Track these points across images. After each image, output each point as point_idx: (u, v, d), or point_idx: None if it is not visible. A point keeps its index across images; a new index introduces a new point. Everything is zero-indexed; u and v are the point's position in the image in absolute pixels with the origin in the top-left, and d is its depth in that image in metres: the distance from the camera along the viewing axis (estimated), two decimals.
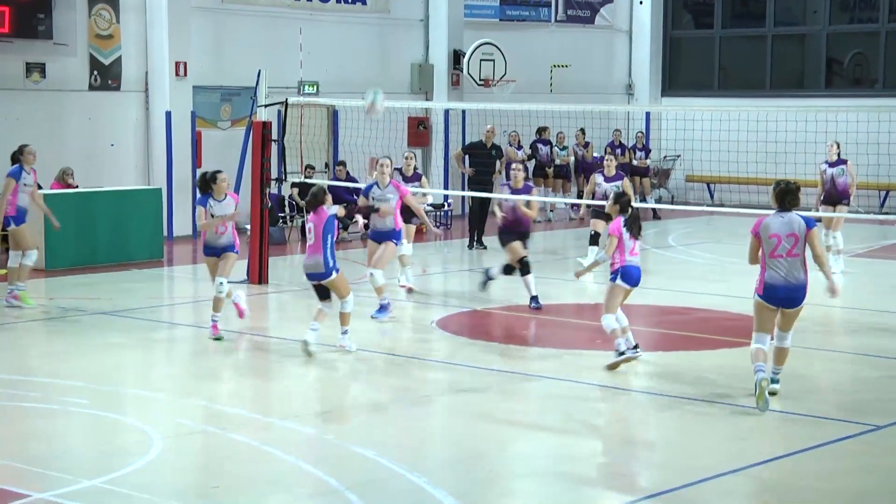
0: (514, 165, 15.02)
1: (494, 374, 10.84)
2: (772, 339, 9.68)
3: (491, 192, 18.65)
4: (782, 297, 9.52)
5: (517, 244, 13.94)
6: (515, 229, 14.02)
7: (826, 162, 16.98)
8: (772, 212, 9.74)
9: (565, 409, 9.69)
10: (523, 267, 13.89)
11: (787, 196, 9.62)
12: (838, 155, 16.80)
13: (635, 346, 10.90)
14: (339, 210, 11.43)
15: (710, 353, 11.75)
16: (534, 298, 13.86)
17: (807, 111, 20.24)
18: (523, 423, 9.32)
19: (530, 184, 14.83)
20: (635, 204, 11.84)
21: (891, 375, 10.86)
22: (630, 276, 10.79)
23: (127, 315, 13.48)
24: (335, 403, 10.10)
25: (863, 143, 19.79)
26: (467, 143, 20.45)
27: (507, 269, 14.09)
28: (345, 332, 11.58)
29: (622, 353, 10.81)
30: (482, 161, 19.62)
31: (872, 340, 12.15)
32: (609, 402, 10.15)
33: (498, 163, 20.31)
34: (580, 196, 24.10)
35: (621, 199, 10.93)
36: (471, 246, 19.11)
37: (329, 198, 11.44)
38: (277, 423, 9.21)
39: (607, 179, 16.26)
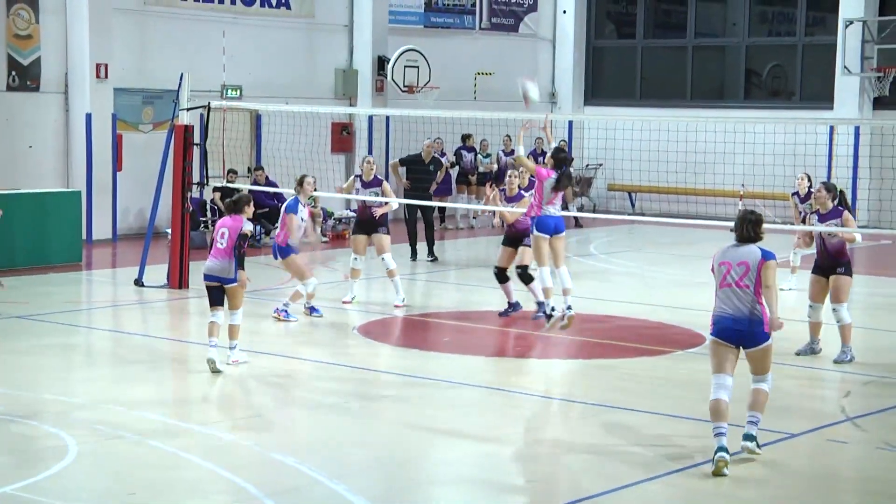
0: (509, 172, 14.14)
1: (416, 381, 10.83)
2: (731, 379, 8.53)
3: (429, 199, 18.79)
4: (732, 332, 8.42)
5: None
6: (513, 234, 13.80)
7: (795, 194, 15.50)
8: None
9: (487, 416, 9.72)
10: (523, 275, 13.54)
11: (742, 224, 8.48)
12: (809, 188, 14.97)
13: (568, 307, 11.90)
14: (249, 230, 11.17)
15: (630, 360, 11.85)
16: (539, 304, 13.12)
17: (725, 122, 20.55)
18: (445, 429, 9.32)
19: (523, 193, 13.82)
20: (556, 212, 12.07)
21: (807, 385, 11.04)
22: (544, 224, 11.80)
23: (44, 319, 13.25)
24: (255, 410, 10.02)
25: (780, 154, 20.13)
26: (405, 156, 20.21)
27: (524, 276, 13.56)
28: (233, 347, 11.22)
29: (549, 316, 11.43)
30: (420, 175, 19.48)
31: (790, 348, 12.33)
32: (531, 408, 10.19)
33: (438, 173, 20.30)
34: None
35: (558, 155, 12.20)
36: (413, 257, 18.62)
37: (250, 210, 11.29)
38: (196, 429, 9.11)
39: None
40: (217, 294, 11.18)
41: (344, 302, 14.44)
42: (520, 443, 9.19)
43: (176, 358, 12.01)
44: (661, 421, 9.60)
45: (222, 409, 9.95)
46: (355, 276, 14.60)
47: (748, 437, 8.50)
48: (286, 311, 13.50)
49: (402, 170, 19.46)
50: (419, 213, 18.86)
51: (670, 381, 10.95)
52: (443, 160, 23.01)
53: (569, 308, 12.23)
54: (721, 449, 8.17)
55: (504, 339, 13.02)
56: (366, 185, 14.60)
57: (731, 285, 8.37)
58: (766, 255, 8.37)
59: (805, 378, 11.08)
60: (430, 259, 18.67)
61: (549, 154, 12.46)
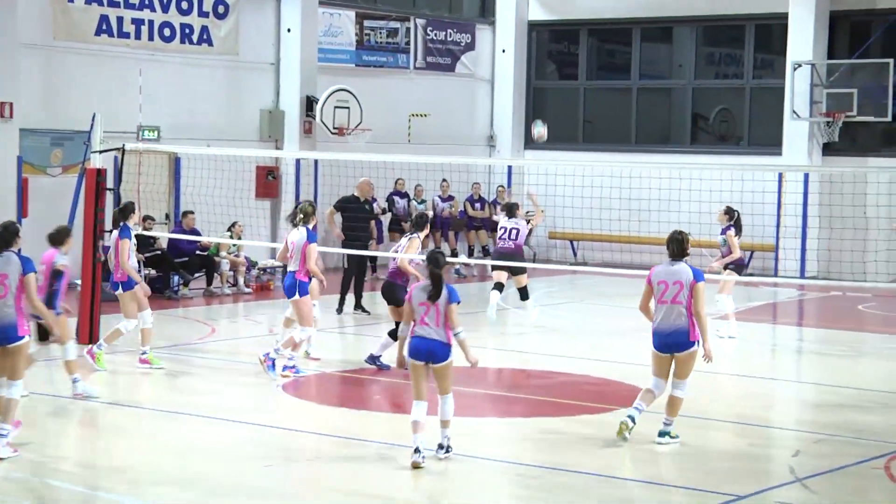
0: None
1: (346, 442, 10.76)
2: (664, 382, 10.63)
3: (367, 249, 18.42)
4: (667, 341, 10.47)
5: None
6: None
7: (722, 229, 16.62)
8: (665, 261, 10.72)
9: (422, 479, 9.67)
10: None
11: (671, 244, 10.62)
12: (727, 221, 16.47)
13: (445, 448, 9.98)
14: (64, 266, 11.44)
15: (573, 419, 11.87)
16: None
17: (671, 167, 20.81)
18: (374, 494, 9.26)
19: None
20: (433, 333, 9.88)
21: (755, 443, 11.14)
22: (413, 349, 9.79)
23: None
24: (174, 475, 9.86)
25: (727, 201, 20.40)
26: (340, 197, 19.21)
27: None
28: (76, 381, 11.83)
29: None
30: (357, 217, 18.59)
31: (740, 408, 12.45)
32: (467, 471, 10.16)
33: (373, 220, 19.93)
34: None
35: (430, 255, 10.02)
36: (339, 310, 18.20)
37: (68, 245, 11.61)
38: (104, 496, 8.97)
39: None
40: (41, 331, 11.26)
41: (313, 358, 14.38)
42: None
43: (85, 419, 11.83)
44: (604, 481, 9.63)
45: (133, 474, 9.79)
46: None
47: (662, 434, 10.59)
48: (295, 367, 13.36)
49: (338, 216, 18.76)
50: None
51: (614, 440, 10.99)
52: (374, 206, 23.08)
53: (446, 449, 9.99)
54: (628, 414, 10.57)
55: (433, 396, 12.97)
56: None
57: (668, 302, 10.42)
58: (698, 276, 10.41)
59: (752, 436, 11.18)
60: (359, 312, 18.24)
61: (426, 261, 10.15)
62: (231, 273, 20.82)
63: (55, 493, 9.16)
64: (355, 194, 18.81)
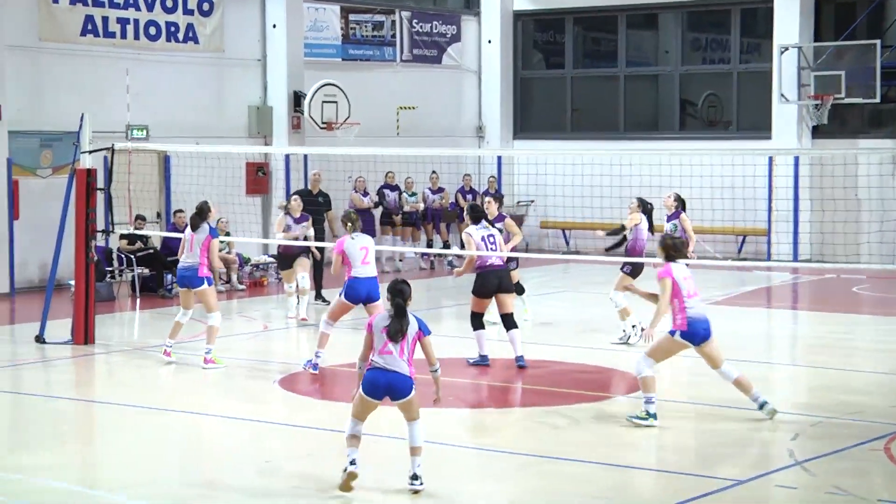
0: (486, 199, 15.31)
1: (330, 435, 10.73)
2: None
3: (322, 240, 18.30)
4: (703, 332, 10.92)
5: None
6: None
7: (667, 216, 15.89)
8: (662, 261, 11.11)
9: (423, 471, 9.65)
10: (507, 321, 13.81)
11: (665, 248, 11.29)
12: (676, 207, 15.77)
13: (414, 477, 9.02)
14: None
15: (569, 407, 11.86)
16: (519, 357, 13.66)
17: (661, 154, 20.80)
18: (375, 487, 9.24)
19: (504, 213, 15.63)
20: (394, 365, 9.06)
21: (754, 428, 11.14)
22: (370, 383, 8.91)
23: None
24: (171, 473, 9.84)
25: (717, 186, 20.40)
26: (291, 191, 20.01)
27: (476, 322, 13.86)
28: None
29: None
30: (309, 210, 18.34)
31: (738, 393, 12.43)
32: (467, 461, 10.16)
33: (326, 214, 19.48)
34: (430, 245, 24.25)
35: (393, 287, 9.07)
36: (317, 297, 18.65)
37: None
38: (103, 497, 8.95)
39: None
40: None
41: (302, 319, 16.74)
42: (457, 499, 9.12)
43: (82, 420, 11.81)
44: (605, 470, 9.63)
45: (132, 474, 9.77)
46: (303, 294, 17.15)
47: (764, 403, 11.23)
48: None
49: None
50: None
51: (611, 428, 10.99)
52: (365, 200, 23.05)
53: (420, 480, 9.03)
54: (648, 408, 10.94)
55: (420, 386, 12.94)
56: (297, 220, 17.26)
57: (696, 295, 10.96)
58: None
59: (750, 421, 11.18)
60: (320, 302, 18.38)
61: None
62: (224, 270, 20.77)
63: (52, 496, 9.13)
64: (308, 188, 19.56)
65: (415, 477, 8.93)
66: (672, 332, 10.90)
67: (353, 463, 8.91)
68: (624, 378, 13.12)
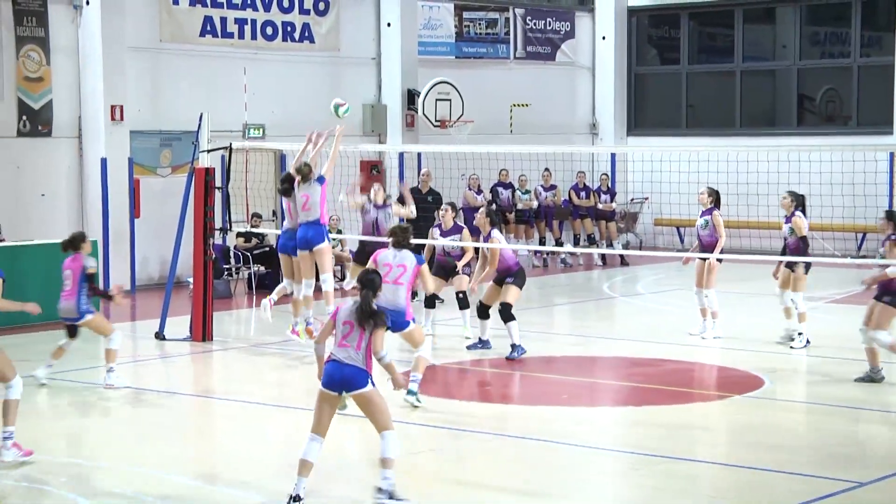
0: (443, 207, 15.70)
1: (453, 433, 10.77)
2: None
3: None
4: None
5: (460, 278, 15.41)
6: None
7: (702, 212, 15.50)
8: None
9: (531, 470, 9.64)
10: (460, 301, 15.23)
11: None
12: (711, 203, 15.36)
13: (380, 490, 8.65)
14: (92, 268, 12.46)
15: (684, 407, 11.74)
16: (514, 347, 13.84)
17: (778, 150, 20.45)
18: (486, 484, 9.25)
19: (460, 224, 15.64)
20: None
21: (875, 428, 10.91)
22: (327, 376, 8.61)
23: (61, 377, 13.27)
24: (289, 466, 9.96)
25: (837, 183, 19.99)
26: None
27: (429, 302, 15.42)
28: (110, 370, 12.59)
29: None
30: (419, 208, 18.35)
31: (856, 391, 12.19)
32: (577, 460, 10.12)
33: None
34: (542, 242, 24.19)
35: (363, 277, 8.83)
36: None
37: (87, 245, 12.50)
38: (224, 491, 9.08)
39: (444, 233, 15.31)
40: (72, 330, 12.71)
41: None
42: (571, 498, 9.09)
43: (201, 415, 12.01)
44: (722, 469, 9.51)
45: (252, 469, 9.91)
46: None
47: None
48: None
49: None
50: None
51: (726, 428, 10.85)
52: (479, 198, 23.06)
53: (388, 495, 8.63)
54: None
55: (533, 384, 12.92)
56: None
57: None
58: None
59: (871, 421, 10.94)
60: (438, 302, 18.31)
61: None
62: (338, 268, 20.95)
63: (173, 489, 9.30)
64: (419, 186, 20.28)
65: (381, 490, 8.51)
66: None
67: (297, 499, 8.38)
68: (740, 376, 12.93)
